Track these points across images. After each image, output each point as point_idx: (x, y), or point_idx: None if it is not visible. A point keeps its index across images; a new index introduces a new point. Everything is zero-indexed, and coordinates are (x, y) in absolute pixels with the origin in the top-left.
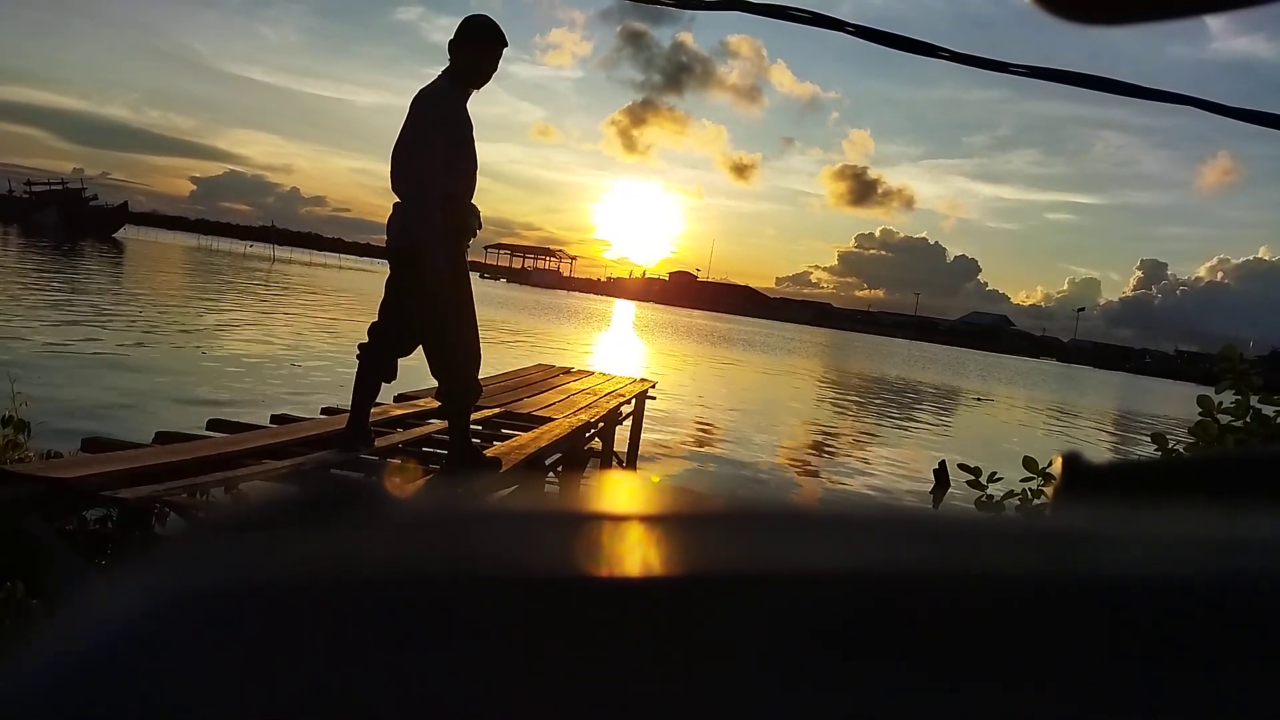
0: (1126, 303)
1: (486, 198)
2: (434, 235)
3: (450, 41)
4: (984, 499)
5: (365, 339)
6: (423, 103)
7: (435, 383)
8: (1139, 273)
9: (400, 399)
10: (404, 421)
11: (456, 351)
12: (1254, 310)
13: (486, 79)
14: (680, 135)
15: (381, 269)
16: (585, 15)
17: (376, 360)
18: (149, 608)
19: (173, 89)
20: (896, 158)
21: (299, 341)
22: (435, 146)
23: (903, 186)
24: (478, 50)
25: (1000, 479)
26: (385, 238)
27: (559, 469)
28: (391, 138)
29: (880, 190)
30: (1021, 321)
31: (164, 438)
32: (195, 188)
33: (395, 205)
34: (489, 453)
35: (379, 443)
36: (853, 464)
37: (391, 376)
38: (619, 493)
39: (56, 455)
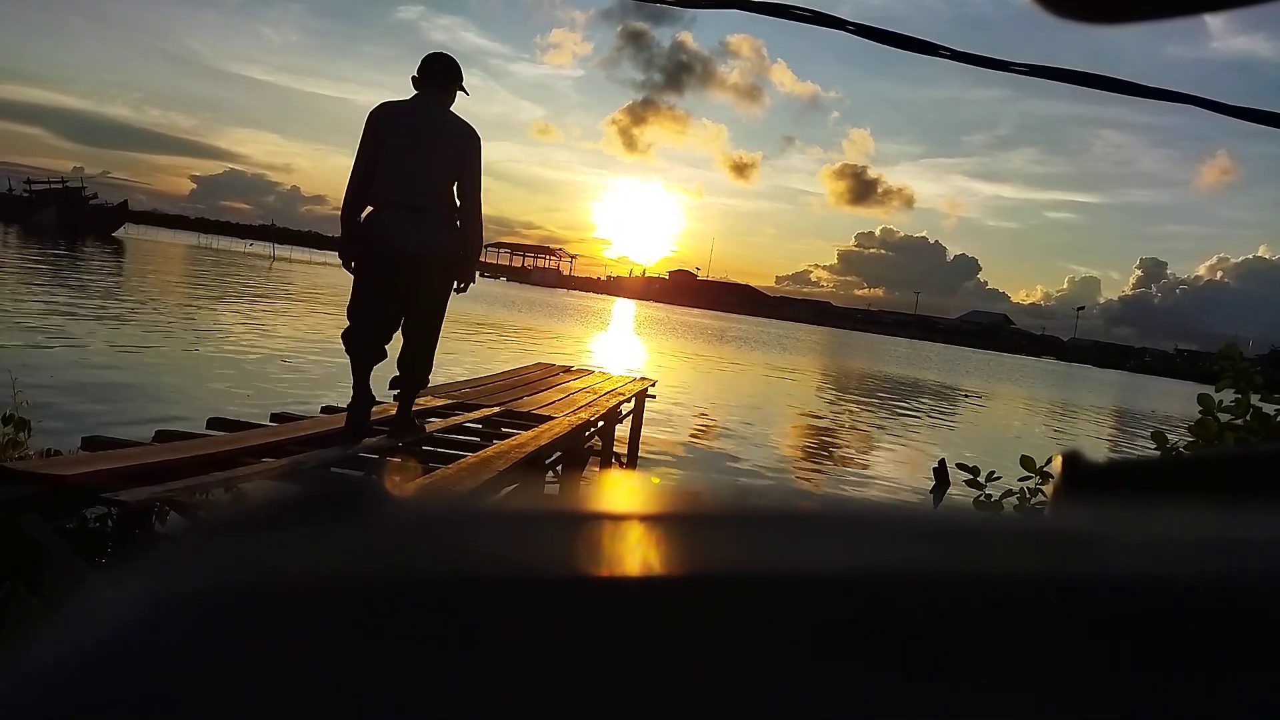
0: (1126, 302)
1: (487, 196)
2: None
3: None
4: (982, 498)
5: (344, 331)
6: (466, 131)
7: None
8: (1139, 271)
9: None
10: None
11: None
12: (1254, 309)
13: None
14: (680, 134)
15: None
16: (585, 15)
17: (367, 344)
18: (148, 608)
19: (173, 88)
20: (896, 157)
21: (295, 338)
22: (477, 177)
23: (903, 186)
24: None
25: (999, 478)
26: (394, 240)
27: (559, 468)
28: None
29: (880, 189)
30: (1021, 320)
31: (164, 436)
32: (195, 186)
33: (410, 213)
34: (489, 451)
35: (378, 441)
36: (852, 463)
37: (382, 356)
38: (619, 493)
39: (56, 454)
